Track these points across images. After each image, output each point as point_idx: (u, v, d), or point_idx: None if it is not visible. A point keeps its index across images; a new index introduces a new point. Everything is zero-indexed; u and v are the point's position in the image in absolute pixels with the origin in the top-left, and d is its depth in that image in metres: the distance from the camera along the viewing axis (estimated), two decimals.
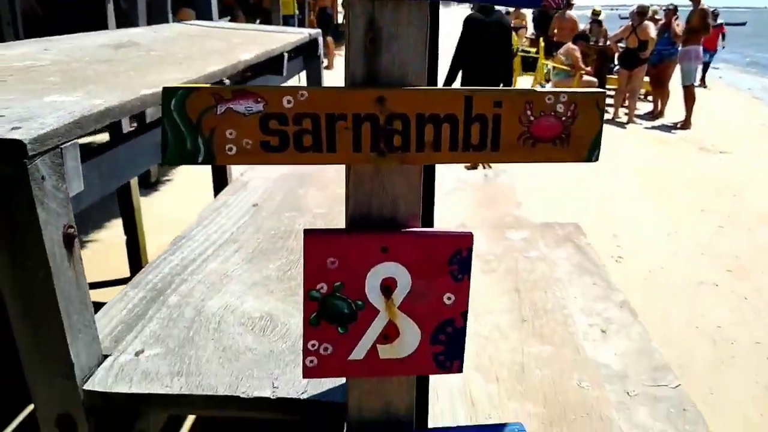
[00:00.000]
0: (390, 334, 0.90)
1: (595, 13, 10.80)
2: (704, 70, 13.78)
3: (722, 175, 7.10)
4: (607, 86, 10.51)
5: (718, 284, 4.54)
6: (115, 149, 1.46)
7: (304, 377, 0.91)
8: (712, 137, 8.72)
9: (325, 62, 11.43)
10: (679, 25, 9.30)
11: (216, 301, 1.49)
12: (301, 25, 11.64)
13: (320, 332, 0.89)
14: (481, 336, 2.12)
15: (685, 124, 9.21)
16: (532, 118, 0.81)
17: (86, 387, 1.16)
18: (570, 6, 10.86)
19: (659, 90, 9.80)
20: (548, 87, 10.01)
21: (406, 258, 0.86)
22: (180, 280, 1.58)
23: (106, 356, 1.25)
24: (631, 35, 9.14)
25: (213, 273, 1.62)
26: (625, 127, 9.24)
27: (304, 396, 1.14)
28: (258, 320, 1.41)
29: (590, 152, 0.84)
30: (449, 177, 3.94)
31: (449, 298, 0.89)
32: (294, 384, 1.17)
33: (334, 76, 10.47)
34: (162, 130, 0.77)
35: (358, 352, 0.90)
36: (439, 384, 1.85)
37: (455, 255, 0.87)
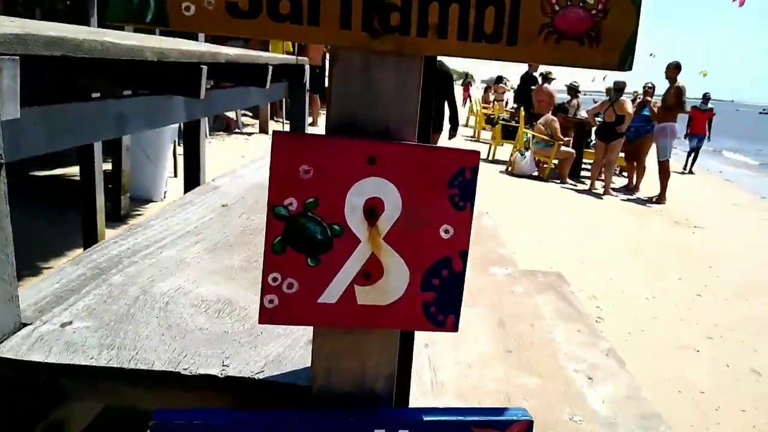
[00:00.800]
0: (372, 271, 0.73)
1: (573, 87, 11.12)
2: (695, 156, 13.43)
3: (697, 248, 7.11)
4: (584, 159, 10.72)
5: (698, 350, 4.40)
6: (69, 104, 1.30)
7: (260, 322, 0.72)
8: (686, 213, 8.82)
9: (310, 119, 11.48)
10: (656, 105, 9.61)
11: (167, 283, 1.29)
12: None
13: (285, 262, 0.71)
14: (463, 364, 1.93)
15: (660, 199, 9.34)
16: (557, 8, 0.68)
17: None
18: (549, 80, 11.17)
19: (636, 165, 9.98)
20: (528, 155, 10.14)
21: (397, 174, 0.71)
22: (129, 262, 1.38)
23: (25, 325, 1.05)
24: (608, 109, 9.37)
25: (168, 259, 1.43)
26: (601, 198, 9.33)
27: (261, 377, 0.94)
28: (214, 303, 1.21)
29: (623, 57, 0.70)
30: None
31: (447, 231, 0.73)
32: (249, 364, 0.98)
33: (317, 131, 10.48)
34: None
35: (331, 294, 0.72)
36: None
37: (457, 176, 0.72)
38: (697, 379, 3.93)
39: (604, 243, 6.85)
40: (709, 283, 5.85)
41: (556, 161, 10.15)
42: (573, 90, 11.28)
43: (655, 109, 9.53)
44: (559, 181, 10.06)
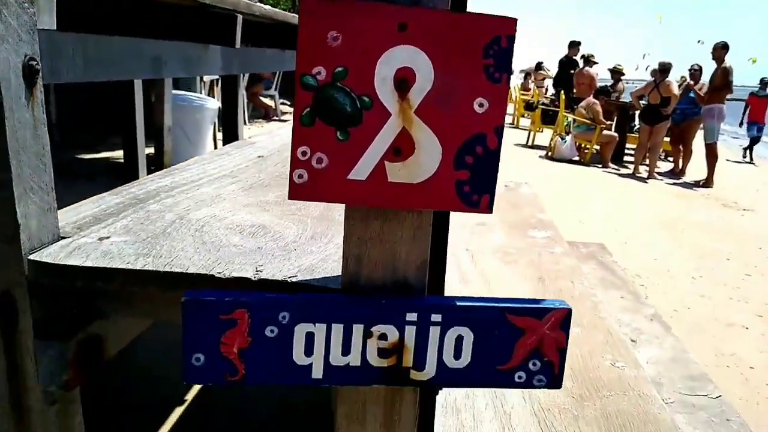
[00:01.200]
0: (403, 147, 0.71)
1: (616, 70, 10.85)
2: (752, 145, 12.69)
3: (746, 230, 6.86)
4: (627, 144, 10.45)
5: (748, 327, 4.24)
6: (106, 36, 1.32)
7: (290, 198, 0.71)
8: (734, 196, 8.51)
9: None
10: (703, 86, 9.30)
11: (203, 212, 1.30)
12: None
13: (314, 135, 0.70)
14: None
15: (707, 182, 9.03)
16: None
17: (32, 257, 0.97)
18: (591, 63, 10.92)
19: (682, 149, 9.68)
20: (568, 139, 9.94)
21: (428, 41, 0.68)
22: (166, 195, 1.40)
23: (63, 238, 1.06)
24: (653, 91, 9.11)
25: (204, 194, 1.44)
26: (646, 182, 9.08)
27: (294, 280, 0.93)
28: (248, 227, 1.21)
29: None
30: None
31: (481, 105, 0.70)
32: (282, 271, 0.97)
33: None
34: None
35: (361, 170, 0.71)
36: None
37: (492, 44, 0.69)
38: (747, 356, 3.79)
39: (648, 224, 6.67)
40: (759, 264, 5.64)
41: (597, 145, 9.92)
42: (616, 73, 11.00)
43: (701, 93, 9.22)
44: (600, 166, 9.84)
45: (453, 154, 0.71)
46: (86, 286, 0.97)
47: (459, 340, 0.75)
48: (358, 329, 0.73)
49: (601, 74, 11.35)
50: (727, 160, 11.89)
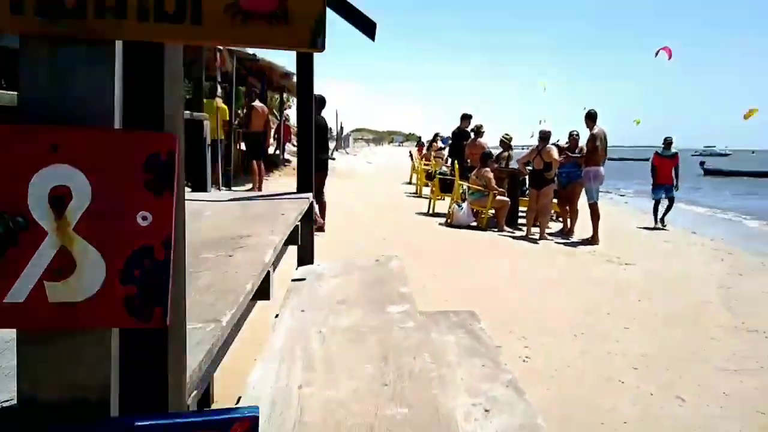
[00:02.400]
0: (63, 266, 0.69)
1: (506, 138, 11.51)
2: (667, 208, 11.96)
3: (627, 283, 7.26)
4: (521, 207, 10.97)
5: (623, 381, 4.41)
6: None
7: None
8: (618, 251, 9.03)
9: (250, 185, 11.40)
10: (582, 151, 10.04)
11: None
12: (228, 150, 11.56)
13: None
14: (334, 401, 1.86)
15: (593, 240, 9.57)
16: None
17: None
18: (480, 134, 11.53)
19: (569, 210, 10.27)
20: (464, 206, 10.31)
21: (83, 160, 0.68)
22: None
23: None
24: (536, 157, 9.70)
25: None
26: (537, 243, 9.49)
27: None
28: None
29: (313, 37, 0.71)
30: (339, 262, 3.79)
31: (145, 218, 0.70)
32: None
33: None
34: None
35: (18, 292, 0.68)
36: None
37: (152, 159, 0.69)
38: (622, 410, 3.91)
39: (537, 284, 6.92)
40: (637, 316, 5.94)
41: (492, 211, 10.35)
42: (505, 143, 11.65)
43: (580, 155, 9.93)
44: (496, 230, 10.23)
45: (119, 268, 0.70)
46: None
47: None
48: None
49: (492, 144, 11.97)
50: (638, 227, 12.25)
